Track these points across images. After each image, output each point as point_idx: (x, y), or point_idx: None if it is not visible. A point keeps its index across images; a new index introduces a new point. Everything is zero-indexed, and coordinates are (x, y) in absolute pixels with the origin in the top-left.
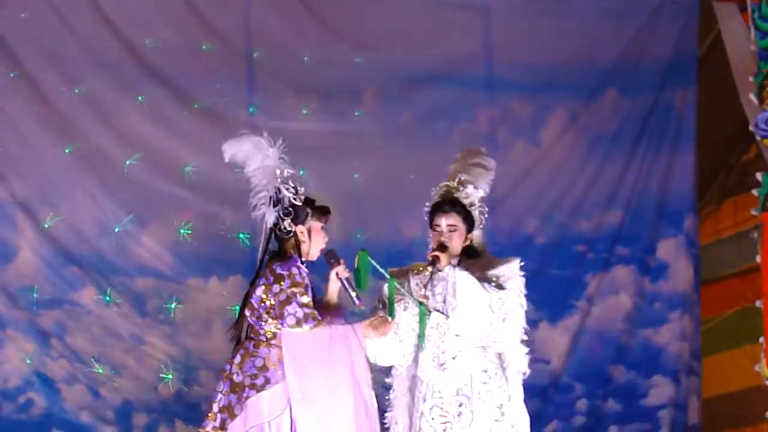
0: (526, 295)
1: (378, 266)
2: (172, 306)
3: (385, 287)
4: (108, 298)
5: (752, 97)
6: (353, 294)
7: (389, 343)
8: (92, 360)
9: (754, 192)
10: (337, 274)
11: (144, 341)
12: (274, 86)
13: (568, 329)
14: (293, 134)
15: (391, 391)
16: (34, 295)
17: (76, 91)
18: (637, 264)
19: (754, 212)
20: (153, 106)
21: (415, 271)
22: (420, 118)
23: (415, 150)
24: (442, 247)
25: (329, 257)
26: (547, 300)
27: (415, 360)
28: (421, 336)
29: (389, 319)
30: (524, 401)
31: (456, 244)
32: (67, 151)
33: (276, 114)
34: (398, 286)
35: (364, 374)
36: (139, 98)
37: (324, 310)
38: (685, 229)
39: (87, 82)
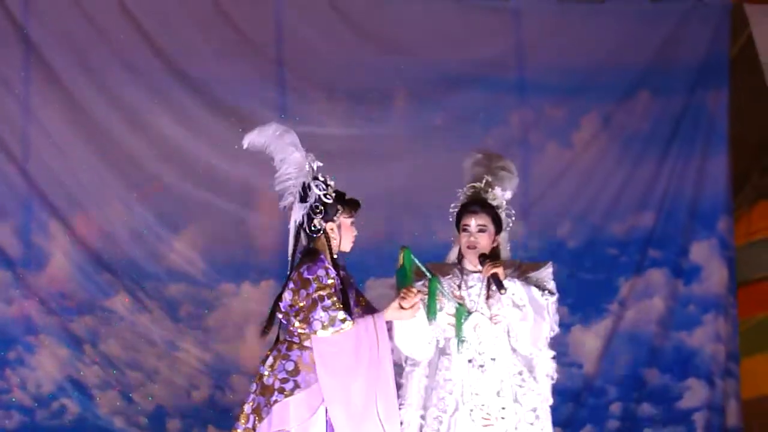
0: (558, 299)
1: (420, 264)
2: (205, 311)
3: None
4: (140, 304)
5: None
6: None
7: (421, 335)
8: (125, 366)
9: None
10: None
11: (177, 347)
12: (304, 89)
13: (601, 333)
14: (324, 138)
15: (408, 390)
16: (67, 301)
17: (107, 96)
18: (670, 267)
19: None
20: (184, 112)
21: (441, 270)
22: (452, 121)
23: (449, 153)
24: (487, 257)
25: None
26: (579, 304)
27: (433, 361)
28: (458, 337)
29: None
30: (558, 405)
31: (485, 244)
32: (98, 157)
33: (306, 117)
34: (440, 286)
35: (388, 367)
36: (169, 103)
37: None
38: (719, 231)
39: (117, 88)
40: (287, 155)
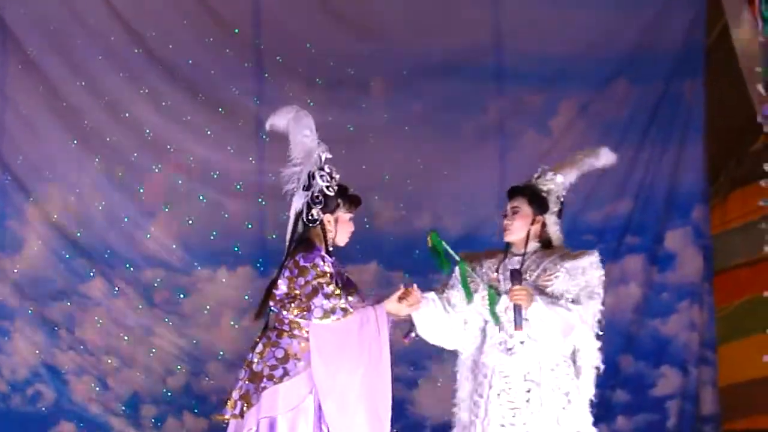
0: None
1: (449, 248)
2: (181, 297)
3: (456, 270)
4: (116, 289)
5: (760, 88)
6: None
7: (442, 325)
8: (100, 352)
9: (762, 183)
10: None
11: (152, 332)
12: (281, 76)
13: None
14: None
15: (457, 375)
16: (42, 286)
17: (84, 82)
18: (646, 254)
19: (762, 203)
20: (160, 97)
21: (488, 255)
22: (430, 109)
23: (426, 141)
24: (519, 276)
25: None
26: None
27: (480, 345)
28: (494, 317)
29: (423, 295)
30: None
31: (518, 225)
32: (74, 142)
33: (284, 105)
34: (469, 269)
35: (387, 358)
36: (146, 89)
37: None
38: (694, 220)
39: (94, 73)
40: (298, 139)
